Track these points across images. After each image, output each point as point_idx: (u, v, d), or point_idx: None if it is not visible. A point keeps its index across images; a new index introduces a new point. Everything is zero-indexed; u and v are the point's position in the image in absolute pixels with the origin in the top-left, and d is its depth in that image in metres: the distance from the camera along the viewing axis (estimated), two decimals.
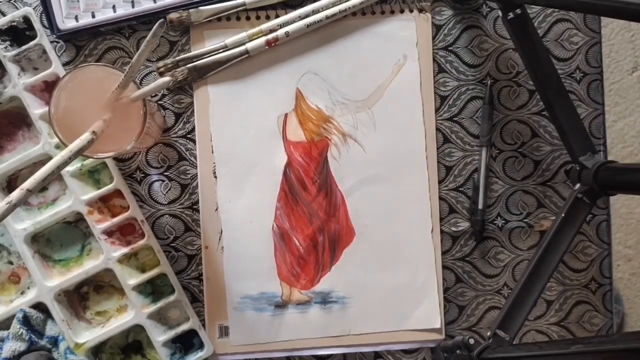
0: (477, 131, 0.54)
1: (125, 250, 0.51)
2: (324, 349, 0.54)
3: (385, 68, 0.54)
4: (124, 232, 0.53)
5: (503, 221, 0.55)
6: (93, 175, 0.53)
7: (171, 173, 0.54)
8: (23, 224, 0.51)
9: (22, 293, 0.52)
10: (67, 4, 0.51)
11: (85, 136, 0.39)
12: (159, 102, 0.54)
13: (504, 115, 0.54)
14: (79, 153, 0.38)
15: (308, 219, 0.54)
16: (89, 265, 0.51)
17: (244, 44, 0.53)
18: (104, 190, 0.51)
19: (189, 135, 0.54)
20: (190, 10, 0.52)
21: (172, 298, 0.51)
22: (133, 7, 0.52)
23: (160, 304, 0.51)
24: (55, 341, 0.51)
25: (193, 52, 0.53)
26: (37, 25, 0.50)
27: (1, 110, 0.52)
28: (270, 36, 0.52)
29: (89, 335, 0.51)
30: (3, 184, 0.52)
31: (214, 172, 0.53)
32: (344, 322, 0.54)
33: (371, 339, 0.54)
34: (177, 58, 0.53)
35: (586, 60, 0.54)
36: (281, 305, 0.54)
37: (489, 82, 0.54)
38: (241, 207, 0.53)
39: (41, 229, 0.51)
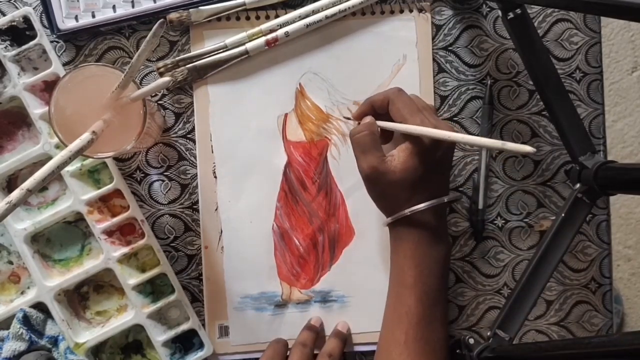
0: (477, 131, 0.54)
1: (125, 250, 0.51)
2: None
3: (385, 68, 0.54)
4: (124, 232, 0.53)
5: (503, 221, 0.55)
6: (93, 175, 0.53)
7: (171, 173, 0.54)
8: (23, 223, 0.51)
9: (22, 293, 0.52)
10: (67, 3, 0.51)
11: (85, 136, 0.39)
12: (159, 102, 0.54)
13: (504, 115, 0.54)
14: (79, 153, 0.38)
15: (308, 218, 0.54)
16: (89, 265, 0.51)
17: (243, 44, 0.53)
18: (103, 190, 0.51)
19: (188, 135, 0.54)
20: (190, 10, 0.52)
21: (172, 298, 0.51)
22: (133, 7, 0.52)
23: (160, 303, 0.51)
24: (55, 341, 0.51)
25: (193, 52, 0.53)
26: (37, 25, 0.50)
27: (1, 110, 0.52)
28: (270, 36, 0.52)
29: (89, 335, 0.51)
30: (3, 184, 0.52)
31: (214, 172, 0.53)
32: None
33: (371, 337, 0.53)
34: (177, 58, 0.53)
35: (586, 60, 0.55)
36: (281, 304, 0.54)
37: (489, 82, 0.54)
38: (241, 207, 0.53)
39: (41, 229, 0.51)
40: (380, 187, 0.46)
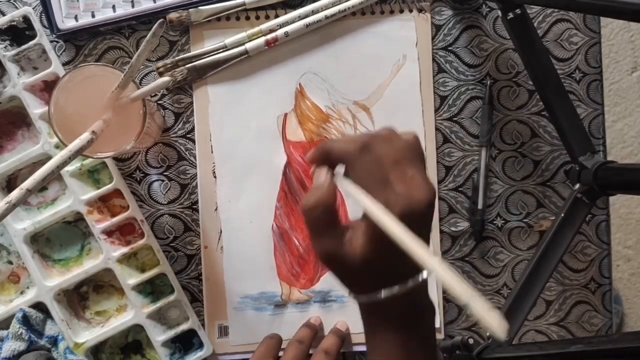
0: (477, 131, 0.54)
1: (124, 250, 0.51)
2: None
3: (384, 68, 0.54)
4: (124, 232, 0.53)
5: (503, 221, 0.55)
6: (93, 175, 0.53)
7: (171, 173, 0.54)
8: (23, 223, 0.51)
9: (22, 293, 0.52)
10: (66, 3, 0.51)
11: (85, 136, 0.39)
12: (159, 102, 0.54)
13: (503, 115, 0.54)
14: (79, 153, 0.38)
15: None
16: (88, 265, 0.51)
17: (243, 44, 0.53)
18: (103, 190, 0.51)
19: (188, 135, 0.54)
20: (190, 10, 0.52)
21: (171, 298, 0.51)
22: (133, 7, 0.52)
23: (159, 303, 0.51)
24: (54, 341, 0.51)
25: (192, 52, 0.53)
26: (36, 25, 0.50)
27: (1, 110, 0.52)
28: (269, 36, 0.52)
29: (89, 335, 0.51)
30: (3, 184, 0.52)
31: (214, 172, 0.53)
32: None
33: None
34: (177, 58, 0.53)
35: (586, 60, 0.55)
36: (281, 304, 0.54)
37: (488, 82, 0.54)
38: (241, 207, 0.53)
39: (41, 229, 0.51)
40: (339, 272, 0.36)
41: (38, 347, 0.50)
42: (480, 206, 0.54)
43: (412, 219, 0.32)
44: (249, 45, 0.52)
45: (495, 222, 0.55)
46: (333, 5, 0.53)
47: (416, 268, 0.34)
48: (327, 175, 0.36)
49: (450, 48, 0.54)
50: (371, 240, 0.33)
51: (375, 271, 0.34)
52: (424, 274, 0.34)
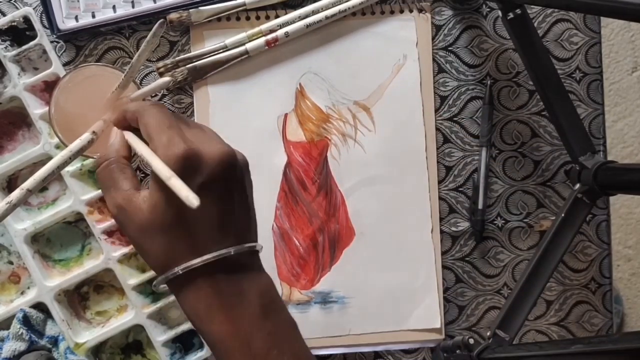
0: (477, 131, 0.54)
1: (125, 250, 0.51)
2: (324, 349, 0.54)
3: (385, 68, 0.54)
4: None
5: (503, 221, 0.55)
6: (93, 175, 0.53)
7: None
8: (23, 223, 0.51)
9: (22, 293, 0.52)
10: (67, 4, 0.51)
11: (86, 136, 0.39)
12: (159, 102, 0.54)
13: (503, 115, 0.55)
14: (79, 153, 0.38)
15: (308, 219, 0.54)
16: (89, 265, 0.51)
17: (243, 44, 0.53)
18: None
19: None
20: (190, 10, 0.52)
21: (172, 298, 0.51)
22: (133, 7, 0.52)
23: (160, 303, 0.51)
24: (55, 341, 0.51)
25: (193, 53, 0.53)
26: (37, 25, 0.50)
27: (1, 110, 0.52)
28: (269, 36, 0.52)
29: (89, 335, 0.51)
30: (3, 184, 0.52)
31: None
32: (344, 322, 0.54)
33: (371, 339, 0.54)
34: (177, 58, 0.53)
35: (586, 60, 0.55)
36: None
37: (488, 82, 0.54)
38: None
39: (41, 229, 0.51)
40: (132, 233, 0.34)
41: (38, 348, 0.50)
42: (480, 206, 0.54)
43: (194, 169, 0.33)
44: (249, 46, 0.52)
45: (495, 222, 0.55)
46: (333, 5, 0.53)
47: (225, 238, 0.34)
48: (118, 133, 0.38)
49: (450, 48, 0.54)
50: (157, 185, 0.33)
51: (163, 230, 0.33)
52: (231, 250, 0.34)
